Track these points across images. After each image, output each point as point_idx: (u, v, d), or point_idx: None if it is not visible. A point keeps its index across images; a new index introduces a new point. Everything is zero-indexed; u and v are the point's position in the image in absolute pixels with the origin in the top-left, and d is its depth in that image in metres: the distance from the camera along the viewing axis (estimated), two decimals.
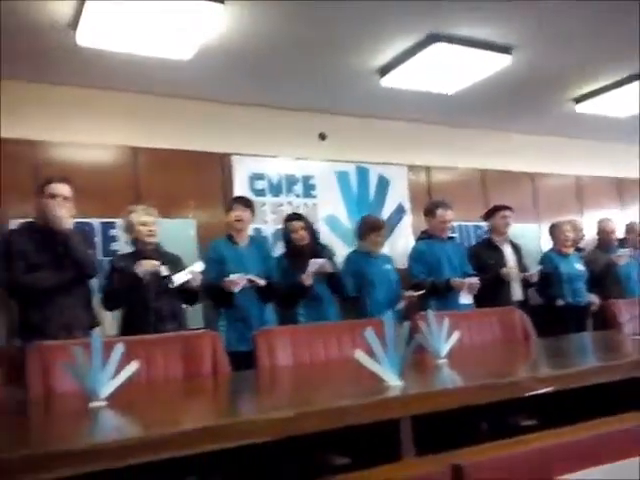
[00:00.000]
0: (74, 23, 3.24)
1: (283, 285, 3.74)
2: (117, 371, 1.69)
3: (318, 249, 3.96)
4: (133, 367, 1.75)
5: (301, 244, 3.90)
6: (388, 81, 4.33)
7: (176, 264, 3.48)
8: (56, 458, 1.15)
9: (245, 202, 3.83)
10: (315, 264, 3.69)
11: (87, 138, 4.20)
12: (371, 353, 1.52)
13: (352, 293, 4.10)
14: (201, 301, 3.78)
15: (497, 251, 4.59)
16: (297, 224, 3.94)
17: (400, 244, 5.15)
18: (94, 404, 1.61)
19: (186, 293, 3.41)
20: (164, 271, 3.33)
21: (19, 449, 1.25)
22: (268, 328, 2.72)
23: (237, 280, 3.45)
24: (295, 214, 4.15)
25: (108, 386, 1.66)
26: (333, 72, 4.26)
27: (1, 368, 2.58)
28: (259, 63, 4.01)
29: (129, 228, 3.48)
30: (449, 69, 4.19)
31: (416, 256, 4.36)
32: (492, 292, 4.23)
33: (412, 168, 5.47)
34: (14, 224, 3.68)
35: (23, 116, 3.98)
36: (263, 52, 3.84)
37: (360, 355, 1.49)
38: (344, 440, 1.61)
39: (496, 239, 4.66)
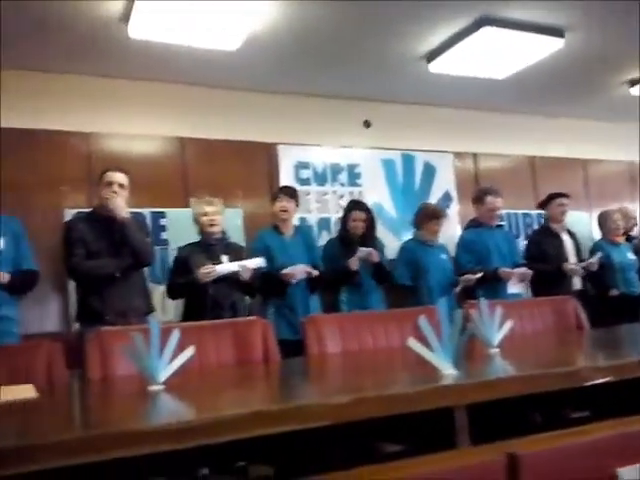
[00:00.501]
0: (126, 16, 3.30)
1: (330, 270, 3.75)
2: (173, 356, 1.74)
3: (369, 239, 3.97)
4: (189, 353, 1.79)
5: (356, 233, 3.93)
6: (435, 67, 4.27)
7: (239, 253, 3.53)
8: (114, 439, 1.19)
9: (290, 192, 3.86)
10: (363, 251, 3.72)
11: (137, 129, 4.29)
12: (424, 341, 1.52)
13: (406, 282, 4.11)
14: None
15: (557, 239, 4.50)
16: (359, 215, 3.95)
17: (447, 233, 5.08)
18: (152, 388, 1.66)
19: (241, 284, 3.43)
20: (225, 261, 3.39)
21: (80, 430, 1.31)
22: (316, 316, 2.75)
23: (296, 272, 3.49)
24: (359, 203, 4.15)
25: (165, 371, 1.71)
26: (379, 59, 4.22)
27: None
28: (305, 52, 4.01)
29: (194, 219, 3.54)
30: (499, 54, 4.10)
31: (464, 245, 4.31)
32: (552, 282, 4.14)
33: (459, 155, 5.39)
34: (69, 214, 3.81)
35: (76, 108, 4.10)
36: (309, 41, 3.84)
37: (413, 343, 1.49)
38: (396, 428, 1.61)
39: (554, 227, 4.56)
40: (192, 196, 4.18)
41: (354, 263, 3.73)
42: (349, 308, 3.78)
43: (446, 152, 5.32)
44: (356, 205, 4.06)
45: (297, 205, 3.92)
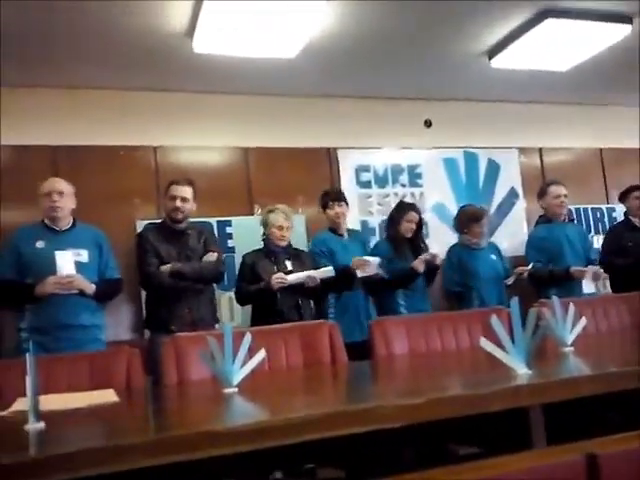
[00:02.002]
0: (190, 31, 3.42)
1: (393, 271, 3.74)
2: (245, 360, 1.79)
3: (419, 241, 3.96)
4: (261, 356, 1.84)
5: (406, 235, 3.89)
6: (497, 62, 4.19)
7: (302, 259, 3.58)
8: (195, 440, 1.24)
9: (341, 197, 3.87)
10: (429, 254, 3.72)
11: (202, 141, 4.42)
12: (496, 341, 1.50)
13: (454, 288, 3.99)
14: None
15: (637, 232, 4.30)
16: (413, 216, 3.91)
17: (513, 231, 4.98)
18: (227, 390, 1.72)
19: (308, 290, 3.44)
20: (289, 266, 3.45)
21: (161, 432, 1.36)
22: (383, 318, 2.75)
23: (371, 263, 3.53)
24: (412, 205, 4.08)
25: (239, 374, 1.76)
26: (439, 58, 4.19)
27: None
28: (363, 55, 4.02)
29: (265, 225, 3.59)
30: (563, 45, 3.97)
31: (534, 242, 4.18)
32: (632, 277, 3.95)
33: (524, 151, 5.26)
34: (140, 225, 3.97)
35: (144, 123, 4.27)
36: (367, 44, 3.85)
37: (486, 343, 1.47)
38: (465, 429, 1.60)
39: (634, 220, 4.38)
40: (256, 203, 4.29)
41: (421, 265, 3.70)
42: (408, 311, 3.74)
43: (510, 148, 5.20)
44: (409, 206, 4.01)
45: (347, 206, 3.92)
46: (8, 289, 3.02)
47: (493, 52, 4.12)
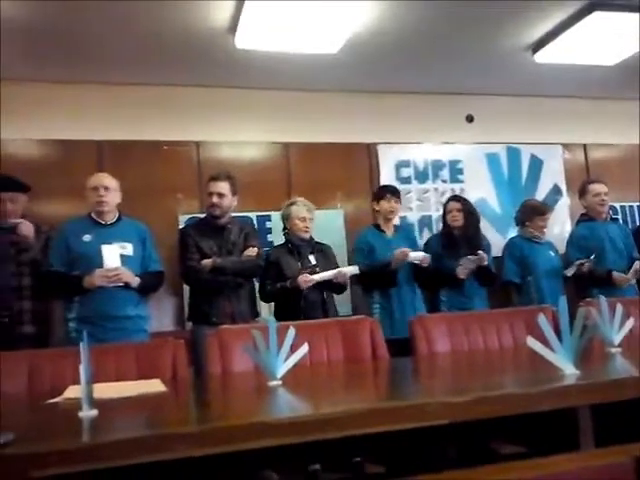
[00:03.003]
0: (233, 28, 3.45)
1: (434, 269, 3.72)
2: (289, 354, 1.82)
3: (472, 234, 3.88)
4: (304, 350, 1.86)
5: (454, 225, 3.87)
6: (541, 57, 4.10)
7: (327, 254, 3.59)
8: (241, 431, 1.26)
9: (397, 193, 3.89)
10: (472, 260, 3.68)
11: (243, 137, 4.46)
12: (542, 340, 1.48)
13: (515, 279, 4.01)
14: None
15: None
16: (453, 205, 3.91)
17: (556, 229, 4.89)
18: (272, 383, 1.74)
19: (333, 284, 3.49)
20: (313, 261, 3.46)
21: (208, 423, 1.39)
22: (424, 315, 2.74)
23: (413, 256, 3.52)
24: (456, 195, 4.14)
25: (283, 367, 1.79)
26: (481, 52, 4.13)
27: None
28: (404, 50, 4.00)
29: (287, 218, 3.62)
30: (610, 38, 3.87)
31: (575, 241, 4.12)
32: None
33: (568, 147, 5.15)
34: (183, 220, 4.04)
35: (187, 118, 4.33)
36: (408, 39, 3.83)
37: (533, 342, 1.46)
38: (509, 429, 1.58)
39: None
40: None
41: (463, 272, 3.68)
42: (448, 308, 3.73)
43: (554, 144, 5.10)
44: (450, 198, 4.04)
45: (400, 204, 3.94)
46: (58, 281, 3.12)
47: (537, 46, 4.05)
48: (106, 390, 1.65)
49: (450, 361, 2.31)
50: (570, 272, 3.90)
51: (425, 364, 2.28)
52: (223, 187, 3.42)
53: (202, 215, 3.67)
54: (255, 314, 3.55)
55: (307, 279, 3.32)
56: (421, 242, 4.25)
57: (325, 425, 1.30)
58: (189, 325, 3.64)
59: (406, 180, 4.74)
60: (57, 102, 4.09)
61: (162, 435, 1.25)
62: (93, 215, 3.20)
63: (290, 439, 1.27)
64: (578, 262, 3.89)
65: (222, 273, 3.30)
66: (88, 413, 1.41)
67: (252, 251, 3.41)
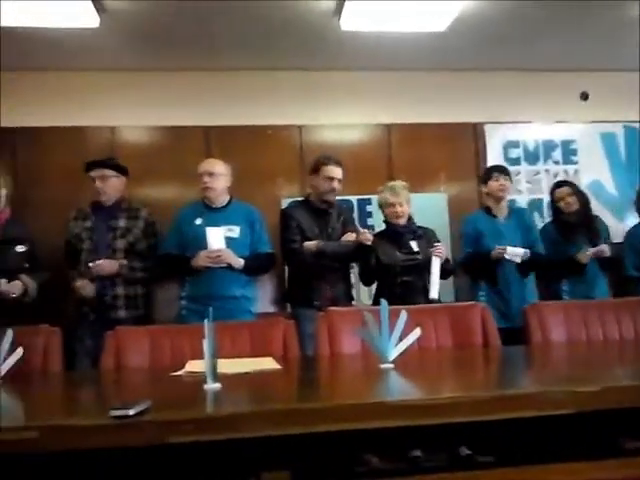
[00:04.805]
0: (339, 10, 3.43)
1: (551, 257, 3.56)
2: (401, 337, 1.80)
3: (588, 219, 3.71)
4: (416, 334, 1.84)
5: (569, 211, 3.68)
6: None
7: (430, 239, 3.51)
8: (367, 410, 1.27)
9: (507, 171, 3.74)
10: (595, 250, 3.51)
11: (345, 119, 4.45)
12: None
13: (632, 273, 3.71)
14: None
15: None
16: (564, 190, 3.72)
17: None
18: (384, 366, 1.73)
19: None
20: (414, 247, 3.38)
21: (316, 401, 1.40)
22: (539, 303, 2.61)
23: (516, 251, 3.39)
24: (562, 181, 3.95)
25: (395, 350, 1.77)
26: (596, 26, 3.86)
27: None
28: (514, 26, 3.81)
29: (380, 206, 3.57)
30: None
31: None
32: None
33: None
34: (284, 203, 4.09)
35: (290, 102, 4.37)
36: (518, 14, 3.64)
37: None
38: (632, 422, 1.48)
39: None
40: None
41: (585, 257, 3.50)
42: (571, 298, 3.53)
43: None
44: (559, 183, 3.85)
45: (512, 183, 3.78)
46: (172, 262, 3.29)
47: None
48: (225, 365, 1.71)
49: (567, 351, 2.20)
50: None
51: (541, 353, 2.19)
52: (340, 172, 3.43)
53: (301, 198, 3.69)
54: (351, 298, 3.55)
55: (368, 237, 3.26)
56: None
57: (439, 410, 1.28)
58: (289, 307, 3.70)
59: (515, 161, 4.55)
60: (166, 89, 4.26)
61: (286, 410, 1.28)
62: (205, 200, 3.32)
63: (406, 421, 1.27)
64: None
65: (323, 256, 3.32)
66: (212, 386, 1.47)
67: (351, 236, 3.41)
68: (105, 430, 1.14)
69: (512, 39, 4.01)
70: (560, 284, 3.63)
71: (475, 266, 3.55)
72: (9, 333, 1.86)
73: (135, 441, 1.15)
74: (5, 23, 3.32)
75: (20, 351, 1.85)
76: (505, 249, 3.38)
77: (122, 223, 3.33)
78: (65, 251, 3.36)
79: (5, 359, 1.84)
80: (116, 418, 1.14)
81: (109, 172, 3.35)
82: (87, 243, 3.26)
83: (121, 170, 3.44)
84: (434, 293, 3.14)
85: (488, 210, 3.67)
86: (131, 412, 1.15)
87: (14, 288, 2.79)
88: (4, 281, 2.85)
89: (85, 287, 3.16)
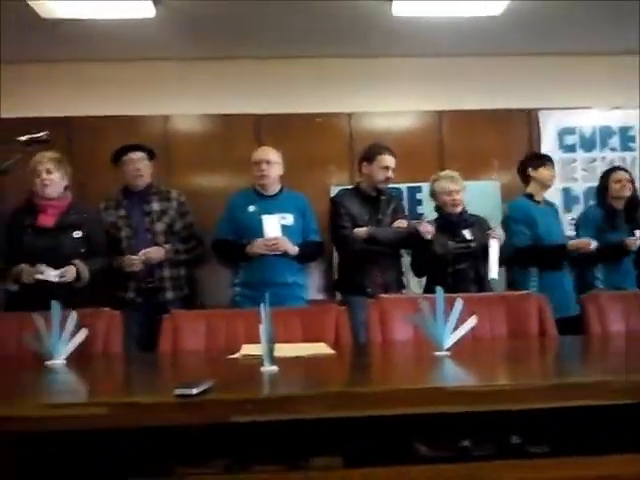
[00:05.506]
0: None
1: (601, 244, 3.46)
2: (457, 325, 1.78)
3: (635, 207, 3.59)
4: (472, 322, 1.82)
5: (619, 196, 3.58)
6: None
7: (483, 227, 3.45)
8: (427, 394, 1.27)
9: (553, 160, 3.68)
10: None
11: (395, 106, 4.40)
12: None
13: None
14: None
15: None
16: (623, 174, 3.60)
17: None
18: (439, 353, 1.73)
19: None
20: (468, 235, 3.33)
21: (370, 386, 1.41)
22: (598, 293, 2.56)
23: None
24: (619, 166, 3.84)
25: (450, 338, 1.76)
26: None
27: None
28: (571, 9, 3.68)
29: (434, 195, 3.54)
30: None
31: None
32: None
33: None
34: (334, 191, 4.08)
35: (340, 90, 4.36)
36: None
37: None
38: None
39: None
40: (448, 169, 4.18)
41: (634, 243, 3.38)
42: (606, 287, 3.44)
43: None
44: (615, 168, 3.74)
45: None
46: (227, 248, 3.35)
47: None
48: (280, 349, 1.73)
49: (625, 341, 2.15)
50: None
51: (599, 343, 2.14)
52: (394, 162, 3.43)
53: (352, 186, 3.69)
54: (402, 285, 3.54)
55: (429, 228, 3.22)
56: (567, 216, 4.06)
57: (503, 396, 1.28)
58: (338, 295, 3.71)
59: (570, 148, 4.42)
60: (218, 78, 4.30)
61: (343, 393, 1.29)
62: (257, 187, 3.36)
63: (463, 407, 1.27)
64: None
65: (374, 243, 3.32)
66: (269, 368, 1.50)
67: (402, 223, 3.39)
68: (170, 408, 1.18)
69: (568, 22, 3.89)
70: (594, 272, 3.53)
71: (539, 255, 3.48)
72: (73, 315, 1.92)
73: (198, 419, 1.19)
74: (64, 15, 3.42)
75: (84, 332, 1.92)
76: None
77: (156, 206, 3.37)
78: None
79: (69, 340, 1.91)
80: (180, 397, 1.18)
81: (143, 155, 3.39)
82: (125, 230, 3.31)
83: (151, 153, 3.47)
84: (494, 273, 3.14)
85: (530, 196, 3.62)
86: (194, 391, 1.19)
87: (68, 273, 2.87)
88: (54, 273, 2.90)
89: (133, 263, 3.18)
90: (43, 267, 2.82)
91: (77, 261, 2.94)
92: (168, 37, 3.89)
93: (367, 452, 1.38)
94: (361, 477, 1.32)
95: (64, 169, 3.08)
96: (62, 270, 2.85)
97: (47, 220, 3.00)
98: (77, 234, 3.03)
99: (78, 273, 2.92)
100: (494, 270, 3.14)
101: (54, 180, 3.02)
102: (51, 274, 2.81)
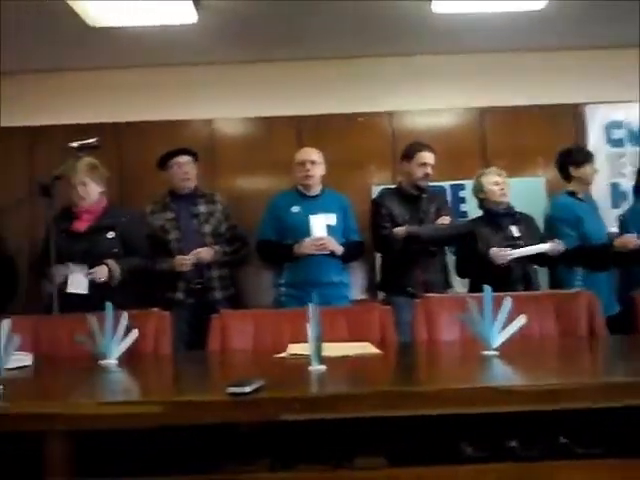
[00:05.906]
0: None
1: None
2: (504, 325, 1.76)
3: None
4: (521, 321, 1.80)
5: None
6: None
7: (530, 225, 3.39)
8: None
9: (593, 155, 3.60)
10: None
11: (437, 104, 4.36)
12: None
13: None
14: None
15: None
16: None
17: None
18: (487, 353, 1.71)
19: (538, 256, 3.27)
20: (515, 232, 3.28)
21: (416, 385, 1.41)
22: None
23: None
24: None
25: (499, 337, 1.74)
26: None
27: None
28: (615, 3, 3.58)
29: (479, 190, 3.49)
30: None
31: None
32: None
33: None
34: (375, 191, 4.08)
35: (380, 89, 4.33)
36: None
37: None
38: None
39: None
40: (492, 166, 4.14)
41: None
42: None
43: None
44: None
45: None
46: (272, 249, 3.40)
47: None
48: (327, 349, 1.74)
49: None
50: None
51: None
52: (433, 158, 3.44)
53: (393, 186, 3.68)
54: (448, 285, 3.51)
55: (503, 253, 3.13)
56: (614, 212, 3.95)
57: (557, 396, 1.27)
58: (381, 295, 3.71)
59: (618, 143, 4.30)
60: (259, 80, 4.34)
61: (394, 392, 1.30)
62: (300, 188, 3.39)
63: (514, 407, 1.26)
64: None
65: (416, 241, 3.30)
66: (317, 368, 1.51)
67: (445, 219, 3.37)
68: (223, 406, 1.21)
69: (613, 15, 3.77)
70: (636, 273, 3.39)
71: (586, 256, 3.38)
72: (124, 315, 1.97)
73: (250, 417, 1.21)
74: (110, 24, 3.51)
75: (136, 333, 1.97)
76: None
77: (203, 209, 3.46)
78: (149, 245, 3.35)
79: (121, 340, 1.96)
80: (233, 395, 1.21)
81: (190, 158, 3.48)
82: (174, 233, 3.38)
83: (195, 156, 3.55)
84: (518, 253, 3.13)
85: (573, 194, 3.52)
86: (247, 389, 1.21)
87: (100, 272, 2.96)
88: (84, 272, 2.97)
89: (184, 263, 3.25)
90: (71, 266, 2.95)
91: (109, 260, 3.02)
92: (209, 41, 3.95)
93: (412, 452, 1.38)
94: (406, 476, 1.32)
95: (99, 176, 3.17)
96: (92, 270, 2.95)
97: (80, 225, 3.12)
98: (110, 234, 3.11)
99: (110, 272, 3.00)
100: (520, 251, 3.14)
101: (89, 192, 3.13)
102: (79, 274, 2.93)
